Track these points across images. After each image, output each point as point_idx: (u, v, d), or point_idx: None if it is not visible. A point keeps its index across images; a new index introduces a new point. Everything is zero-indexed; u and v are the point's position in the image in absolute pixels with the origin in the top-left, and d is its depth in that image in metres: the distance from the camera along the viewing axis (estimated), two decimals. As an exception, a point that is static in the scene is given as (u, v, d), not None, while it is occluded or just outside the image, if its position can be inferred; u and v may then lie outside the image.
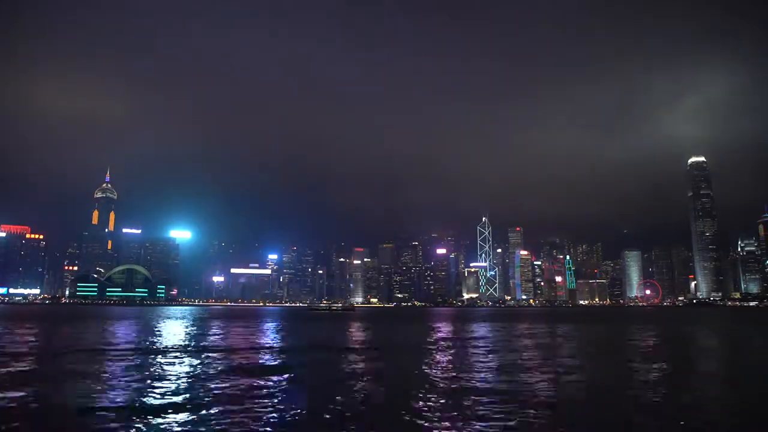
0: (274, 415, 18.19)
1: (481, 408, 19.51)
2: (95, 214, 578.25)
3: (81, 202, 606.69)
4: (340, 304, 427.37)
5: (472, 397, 21.46)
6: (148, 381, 24.98)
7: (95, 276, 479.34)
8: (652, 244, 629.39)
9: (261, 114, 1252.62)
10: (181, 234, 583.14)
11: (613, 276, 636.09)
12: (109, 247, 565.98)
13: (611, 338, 64.22)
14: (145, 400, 20.76)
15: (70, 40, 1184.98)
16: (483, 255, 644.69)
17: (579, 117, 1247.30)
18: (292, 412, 18.51)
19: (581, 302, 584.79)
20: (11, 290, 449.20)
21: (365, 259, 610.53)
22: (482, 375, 28.45)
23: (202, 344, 47.02)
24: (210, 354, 38.05)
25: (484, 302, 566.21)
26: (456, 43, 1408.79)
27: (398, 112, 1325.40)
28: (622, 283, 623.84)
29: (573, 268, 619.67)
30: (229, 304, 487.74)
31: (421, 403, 20.32)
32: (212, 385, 23.82)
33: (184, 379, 25.65)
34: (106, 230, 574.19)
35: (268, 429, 16.52)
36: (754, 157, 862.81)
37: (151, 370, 28.79)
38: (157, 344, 45.83)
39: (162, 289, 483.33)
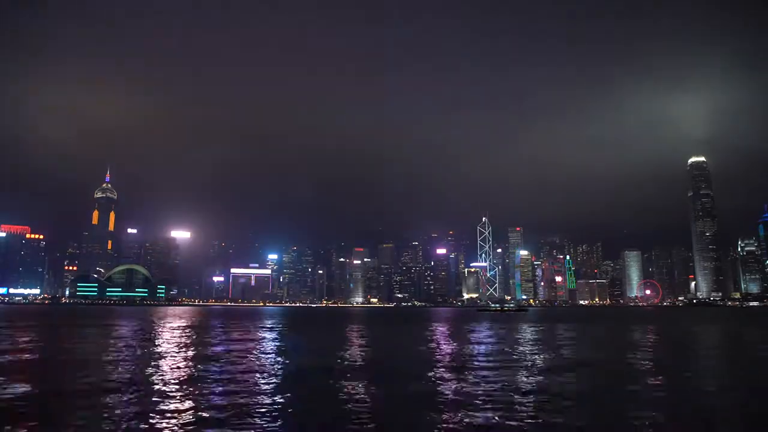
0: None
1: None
2: (95, 214, 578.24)
3: (81, 202, 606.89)
4: (512, 304, 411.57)
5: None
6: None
7: (95, 276, 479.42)
8: (652, 244, 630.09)
9: (260, 114, 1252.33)
10: (181, 234, 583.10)
11: (613, 276, 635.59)
12: (109, 247, 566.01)
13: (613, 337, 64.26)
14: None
15: (71, 41, 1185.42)
16: (483, 255, 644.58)
17: (579, 117, 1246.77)
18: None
19: (581, 302, 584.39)
20: (11, 290, 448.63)
21: (365, 259, 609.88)
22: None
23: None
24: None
25: (484, 302, 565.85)
26: (459, 46, 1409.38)
27: (399, 114, 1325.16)
28: (622, 283, 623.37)
29: (573, 268, 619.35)
30: (229, 304, 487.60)
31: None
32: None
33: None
34: (106, 230, 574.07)
35: None
36: (754, 157, 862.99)
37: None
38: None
39: (162, 289, 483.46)
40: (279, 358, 37.13)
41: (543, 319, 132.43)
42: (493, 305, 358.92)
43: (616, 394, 24.02)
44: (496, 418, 18.40)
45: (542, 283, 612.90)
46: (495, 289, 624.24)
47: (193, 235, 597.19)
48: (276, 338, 58.15)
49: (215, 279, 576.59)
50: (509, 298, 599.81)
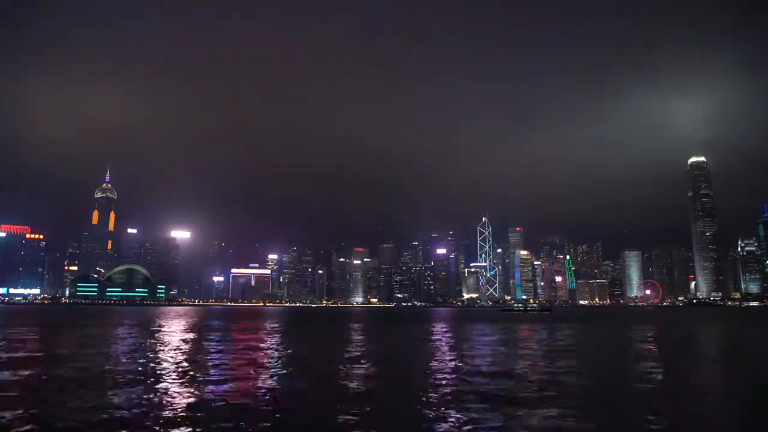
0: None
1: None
2: (95, 214, 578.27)
3: (81, 202, 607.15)
4: (536, 304, 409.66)
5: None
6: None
7: (95, 276, 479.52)
8: (652, 244, 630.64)
9: (260, 115, 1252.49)
10: (181, 234, 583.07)
11: (613, 276, 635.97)
12: (109, 247, 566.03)
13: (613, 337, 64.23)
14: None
15: (71, 41, 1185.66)
16: (483, 255, 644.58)
17: (579, 118, 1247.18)
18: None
19: (581, 302, 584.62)
20: (11, 290, 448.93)
21: (365, 259, 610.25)
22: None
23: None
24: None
25: (484, 302, 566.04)
26: (460, 49, 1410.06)
27: (399, 113, 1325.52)
28: (622, 283, 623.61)
29: (573, 268, 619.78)
30: (229, 304, 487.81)
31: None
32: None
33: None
34: (106, 230, 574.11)
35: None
36: (754, 157, 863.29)
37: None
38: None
39: (162, 289, 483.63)
40: (279, 357, 37.09)
41: (570, 319, 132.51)
42: (516, 306, 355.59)
43: (617, 392, 23.99)
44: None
45: (542, 283, 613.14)
46: (495, 289, 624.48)
47: (193, 235, 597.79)
48: (276, 337, 58.11)
49: (215, 279, 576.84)
50: (509, 298, 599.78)
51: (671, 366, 34.94)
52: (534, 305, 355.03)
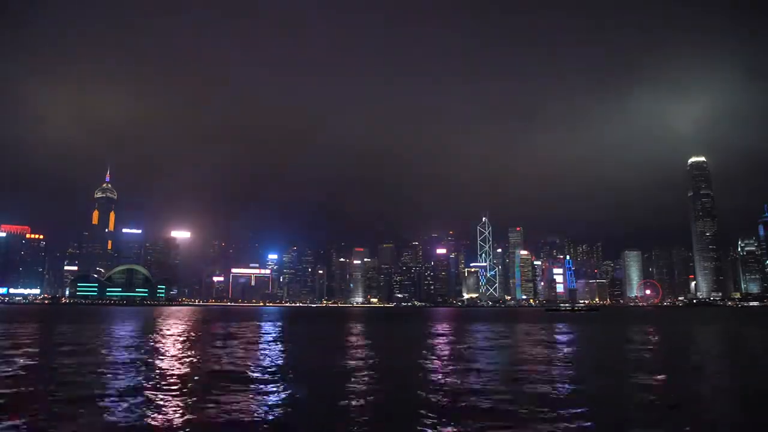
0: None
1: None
2: (95, 214, 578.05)
3: (81, 202, 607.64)
4: (582, 303, 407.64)
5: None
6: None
7: (95, 276, 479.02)
8: (652, 244, 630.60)
9: (260, 115, 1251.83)
10: (181, 234, 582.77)
11: (613, 276, 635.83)
12: (109, 247, 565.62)
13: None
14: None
15: (71, 41, 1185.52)
16: (483, 255, 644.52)
17: (579, 118, 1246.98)
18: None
19: (581, 302, 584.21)
20: (11, 290, 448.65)
21: (365, 259, 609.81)
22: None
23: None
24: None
25: (484, 302, 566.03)
26: (459, 46, 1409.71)
27: (399, 112, 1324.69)
28: (622, 283, 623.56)
29: (573, 268, 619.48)
30: (229, 304, 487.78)
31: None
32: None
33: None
34: (106, 230, 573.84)
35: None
36: (754, 158, 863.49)
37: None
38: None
39: (162, 289, 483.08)
40: (279, 358, 37.10)
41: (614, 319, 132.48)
42: (563, 305, 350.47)
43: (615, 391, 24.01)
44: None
45: (542, 283, 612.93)
46: (495, 289, 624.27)
47: (193, 235, 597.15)
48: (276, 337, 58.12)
49: (215, 279, 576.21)
50: (509, 298, 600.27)
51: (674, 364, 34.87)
52: (581, 304, 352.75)
